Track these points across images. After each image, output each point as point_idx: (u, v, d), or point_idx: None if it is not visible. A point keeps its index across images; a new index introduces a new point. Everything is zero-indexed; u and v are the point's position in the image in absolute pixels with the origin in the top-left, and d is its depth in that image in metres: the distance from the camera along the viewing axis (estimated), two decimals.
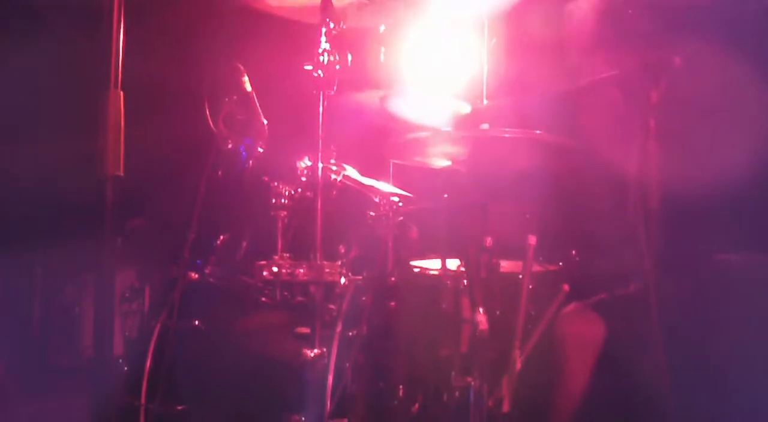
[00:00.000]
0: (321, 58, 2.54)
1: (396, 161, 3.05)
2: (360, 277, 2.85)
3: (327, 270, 2.49)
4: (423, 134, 2.63)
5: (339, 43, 2.60)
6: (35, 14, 4.00)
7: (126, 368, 2.88)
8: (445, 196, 2.78)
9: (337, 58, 2.56)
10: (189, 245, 2.87)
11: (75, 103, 2.75)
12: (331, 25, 2.56)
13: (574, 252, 2.85)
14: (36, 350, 4.60)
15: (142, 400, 2.75)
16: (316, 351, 2.47)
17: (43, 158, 3.97)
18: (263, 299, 2.82)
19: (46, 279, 4.58)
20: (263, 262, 2.52)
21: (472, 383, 2.45)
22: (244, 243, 2.89)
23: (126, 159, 1.88)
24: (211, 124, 2.91)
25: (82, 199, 1.96)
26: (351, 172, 2.90)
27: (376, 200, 2.86)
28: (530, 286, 2.52)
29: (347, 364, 2.70)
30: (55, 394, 4.19)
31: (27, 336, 4.57)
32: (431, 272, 2.90)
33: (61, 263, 4.52)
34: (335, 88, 2.54)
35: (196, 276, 2.89)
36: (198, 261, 2.89)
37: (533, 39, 3.15)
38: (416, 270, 2.94)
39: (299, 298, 2.69)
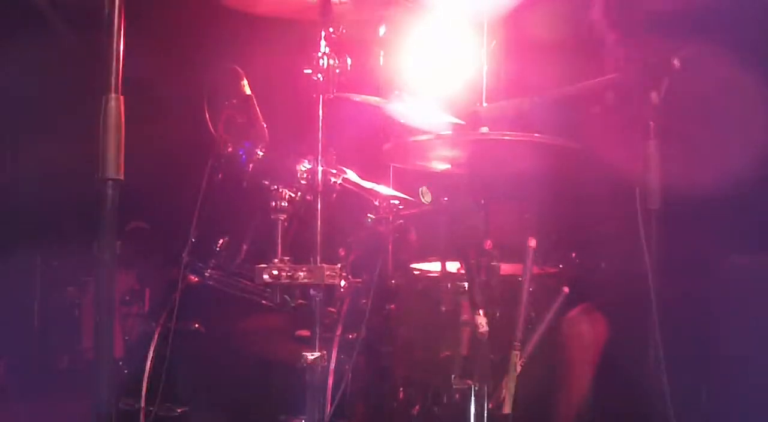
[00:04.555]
0: (320, 61, 2.55)
1: (396, 164, 3.04)
2: (360, 280, 2.85)
3: (327, 273, 2.49)
4: (423, 137, 2.63)
5: (338, 46, 2.60)
6: (36, 18, 4.00)
7: (126, 371, 2.88)
8: (445, 199, 2.77)
9: (337, 61, 2.56)
10: (189, 248, 2.88)
11: (76, 106, 2.75)
12: (330, 29, 2.57)
13: (574, 254, 2.85)
14: (36, 350, 4.60)
15: (142, 403, 2.75)
16: (316, 353, 2.47)
17: (44, 161, 3.97)
18: (263, 302, 2.82)
19: (46, 280, 4.58)
20: (263, 265, 2.52)
21: (473, 385, 2.45)
22: (245, 246, 2.88)
23: (126, 162, 1.88)
24: (211, 127, 2.91)
25: (82, 202, 1.96)
26: (351, 175, 2.90)
27: (376, 203, 2.86)
28: (530, 289, 2.52)
29: (347, 367, 2.71)
30: (55, 394, 4.20)
31: (27, 336, 4.57)
32: (431, 275, 2.90)
33: (61, 264, 4.53)
34: (335, 91, 2.54)
35: (196, 279, 2.89)
36: (198, 264, 2.89)
37: (533, 41, 3.15)
38: (416, 272, 2.94)
39: (299, 301, 2.70)
